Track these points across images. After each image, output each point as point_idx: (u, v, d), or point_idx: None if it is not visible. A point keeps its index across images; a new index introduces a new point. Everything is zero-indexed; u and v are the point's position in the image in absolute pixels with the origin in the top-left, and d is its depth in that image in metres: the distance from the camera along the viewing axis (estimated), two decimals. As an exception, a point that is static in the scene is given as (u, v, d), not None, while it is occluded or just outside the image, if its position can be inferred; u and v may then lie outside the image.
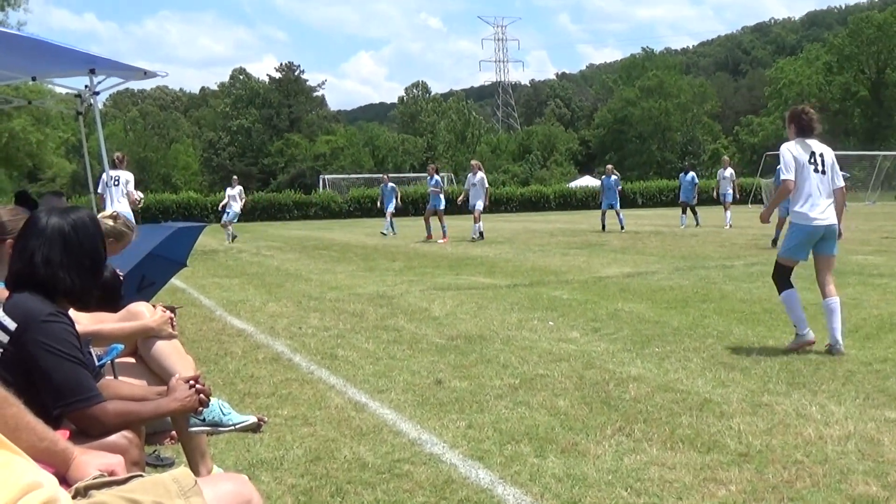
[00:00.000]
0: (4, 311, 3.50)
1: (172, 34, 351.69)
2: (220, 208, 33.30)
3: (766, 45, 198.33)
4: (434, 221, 28.25)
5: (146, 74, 14.84)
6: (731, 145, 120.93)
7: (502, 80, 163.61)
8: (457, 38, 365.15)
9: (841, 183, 9.22)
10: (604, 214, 31.11)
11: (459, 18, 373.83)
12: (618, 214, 30.21)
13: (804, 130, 9.33)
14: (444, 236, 27.19)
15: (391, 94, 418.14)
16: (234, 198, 31.12)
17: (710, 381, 7.07)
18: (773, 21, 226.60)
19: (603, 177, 32.43)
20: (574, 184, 73.71)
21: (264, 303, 13.07)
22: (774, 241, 18.85)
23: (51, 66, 14.47)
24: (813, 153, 9.03)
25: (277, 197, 60.77)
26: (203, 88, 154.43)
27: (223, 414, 5.29)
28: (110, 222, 6.37)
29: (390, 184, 34.07)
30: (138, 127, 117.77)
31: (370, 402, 6.78)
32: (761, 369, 7.46)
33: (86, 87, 14.86)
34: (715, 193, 32.65)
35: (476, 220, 27.85)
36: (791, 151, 9.03)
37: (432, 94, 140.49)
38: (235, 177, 37.10)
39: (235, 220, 31.51)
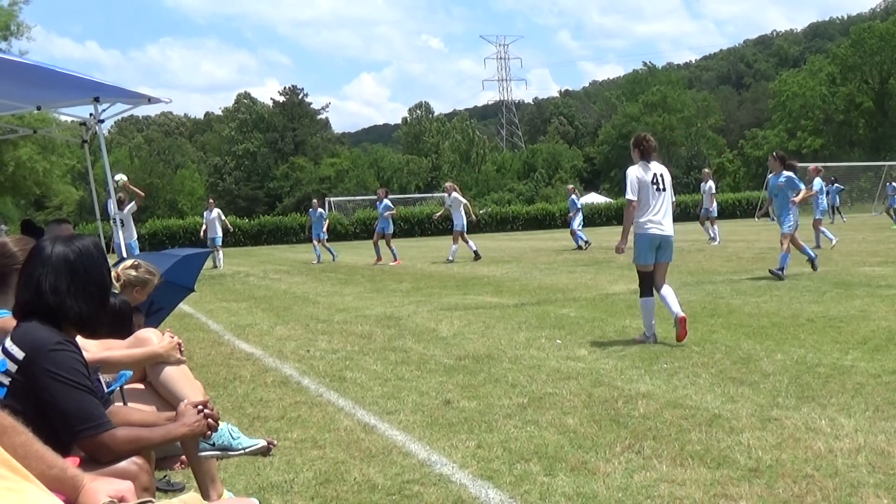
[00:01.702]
0: (12, 340, 3.52)
1: (175, 60, 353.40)
2: (202, 235, 32.28)
3: (769, 58, 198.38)
4: (383, 245, 28.06)
5: (150, 101, 14.87)
6: (736, 159, 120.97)
7: (505, 98, 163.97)
8: (458, 58, 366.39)
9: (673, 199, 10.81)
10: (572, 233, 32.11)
11: (460, 39, 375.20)
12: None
13: (645, 154, 10.44)
14: (395, 259, 27.07)
15: (394, 115, 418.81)
16: (215, 221, 30.68)
17: (720, 397, 7.07)
18: (775, 33, 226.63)
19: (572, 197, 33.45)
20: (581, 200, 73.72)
21: (272, 326, 13.09)
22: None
23: (55, 95, 14.51)
24: (654, 174, 10.28)
25: (283, 220, 60.88)
26: (207, 113, 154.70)
27: (233, 438, 5.29)
28: (133, 272, 6.42)
29: (319, 209, 33.42)
30: (143, 153, 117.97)
31: (379, 423, 6.78)
32: (770, 384, 7.45)
33: (90, 114, 14.90)
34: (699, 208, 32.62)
35: (454, 241, 27.67)
36: (635, 174, 10.28)
37: (436, 114, 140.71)
38: (211, 200, 36.56)
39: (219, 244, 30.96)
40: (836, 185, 46.59)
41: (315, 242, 31.36)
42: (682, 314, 9.85)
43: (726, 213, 61.99)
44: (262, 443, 5.38)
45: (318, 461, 5.88)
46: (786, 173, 16.62)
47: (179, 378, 5.20)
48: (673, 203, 10.89)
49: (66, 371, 3.45)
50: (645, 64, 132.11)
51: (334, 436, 6.48)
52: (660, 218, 10.23)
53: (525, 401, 7.25)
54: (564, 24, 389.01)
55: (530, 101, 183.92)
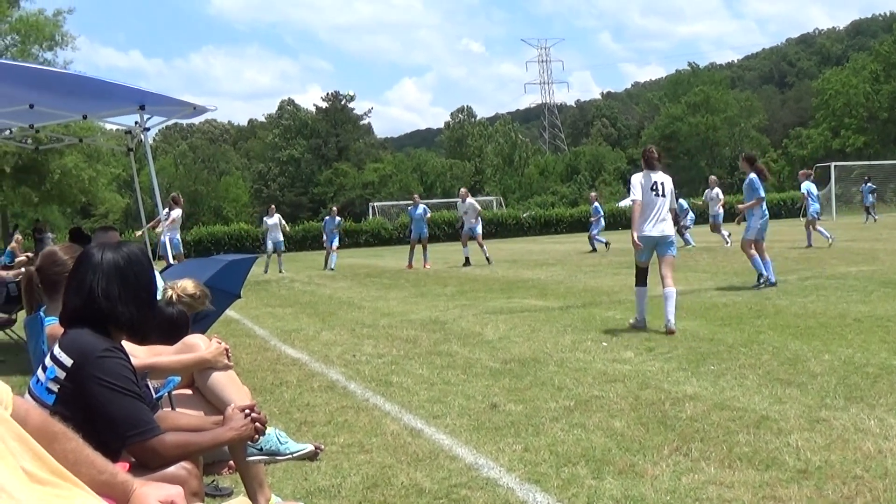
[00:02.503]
0: (60, 347, 3.55)
1: (217, 68, 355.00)
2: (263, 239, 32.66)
3: (812, 56, 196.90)
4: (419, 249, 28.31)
5: (196, 109, 15.00)
6: (781, 158, 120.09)
7: (547, 101, 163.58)
8: (499, 62, 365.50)
9: (675, 205, 12.36)
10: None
11: (501, 42, 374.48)
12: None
13: (649, 164, 11.92)
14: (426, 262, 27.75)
15: (436, 119, 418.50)
16: (276, 226, 30.96)
17: (767, 398, 7.02)
18: (817, 32, 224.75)
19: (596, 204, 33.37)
20: (623, 203, 73.19)
21: (318, 331, 13.13)
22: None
23: (101, 104, 14.66)
24: (655, 182, 11.69)
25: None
26: (251, 120, 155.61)
27: (280, 443, 5.32)
28: (188, 298, 6.46)
29: (337, 217, 33.44)
30: (188, 161, 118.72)
31: (426, 427, 6.79)
32: (818, 384, 7.40)
33: (136, 123, 15.04)
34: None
35: (464, 245, 28.22)
36: (639, 179, 11.79)
37: (478, 118, 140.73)
38: (273, 206, 36.98)
39: (281, 250, 31.40)
40: (868, 184, 46.17)
41: (332, 249, 31.67)
42: (673, 328, 10.92)
43: (771, 212, 61.44)
44: (310, 447, 5.40)
45: (365, 465, 5.90)
46: (750, 175, 16.33)
47: (227, 383, 5.23)
48: (674, 209, 12.40)
49: (114, 377, 3.48)
50: (689, 64, 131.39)
51: (381, 440, 6.50)
52: (657, 220, 11.60)
53: (571, 404, 7.24)
54: (605, 26, 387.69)
55: (572, 104, 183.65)
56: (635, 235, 11.60)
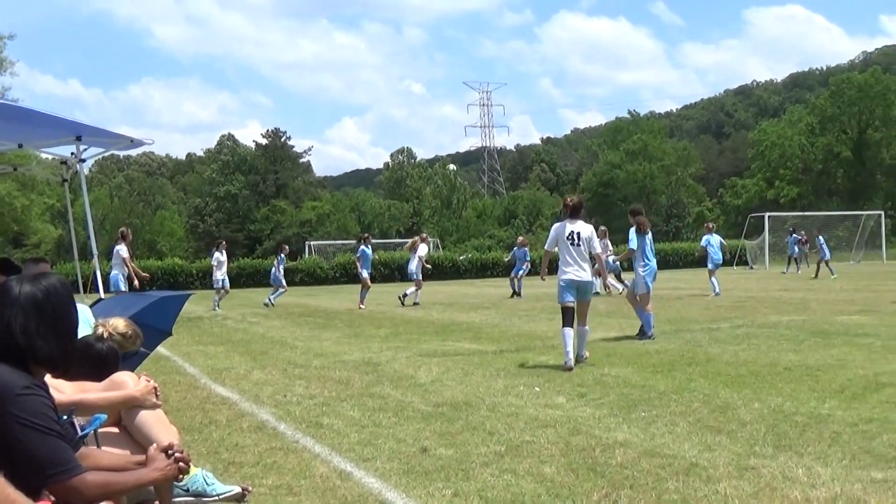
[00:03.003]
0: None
1: (157, 100, 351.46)
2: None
3: (749, 108, 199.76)
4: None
5: (132, 143, 14.92)
6: (716, 207, 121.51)
7: (488, 145, 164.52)
8: (440, 104, 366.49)
9: (597, 250, 13.18)
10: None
11: (442, 84, 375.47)
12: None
13: (568, 214, 13.00)
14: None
15: (376, 159, 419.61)
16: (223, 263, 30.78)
17: (697, 445, 7.06)
18: (755, 83, 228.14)
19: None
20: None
21: (249, 370, 13.03)
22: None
23: (38, 134, 14.53)
24: (571, 231, 12.74)
25: (263, 263, 60.64)
26: (189, 154, 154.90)
27: (207, 484, 5.26)
28: (120, 337, 6.39)
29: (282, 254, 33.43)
30: (124, 193, 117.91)
31: (355, 470, 6.74)
32: (748, 432, 7.45)
33: (72, 154, 14.91)
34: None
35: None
36: (554, 230, 13.13)
37: (418, 159, 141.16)
38: (223, 241, 36.77)
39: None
40: (794, 235, 46.79)
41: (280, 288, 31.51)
42: (572, 365, 11.87)
43: (705, 261, 62.03)
44: (237, 489, 5.36)
45: (293, 508, 5.84)
46: (632, 228, 16.58)
47: (155, 422, 5.17)
48: (598, 255, 13.53)
49: (34, 416, 3.41)
50: (629, 112, 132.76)
51: (310, 482, 6.43)
52: (573, 266, 12.64)
53: (502, 449, 7.22)
54: (546, 72, 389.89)
55: (512, 148, 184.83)
56: (555, 278, 13.11)
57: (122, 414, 5.23)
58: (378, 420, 8.66)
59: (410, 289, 29.46)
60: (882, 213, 70.09)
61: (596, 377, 10.95)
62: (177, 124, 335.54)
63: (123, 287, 21.45)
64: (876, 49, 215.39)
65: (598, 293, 26.89)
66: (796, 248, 45.88)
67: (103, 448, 4.74)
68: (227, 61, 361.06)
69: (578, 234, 12.71)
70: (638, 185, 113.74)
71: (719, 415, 8.24)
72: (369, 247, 29.85)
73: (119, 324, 6.47)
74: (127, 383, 5.25)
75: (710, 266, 28.49)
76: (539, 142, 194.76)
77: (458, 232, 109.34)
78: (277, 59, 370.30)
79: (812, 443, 7.01)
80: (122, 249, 21.88)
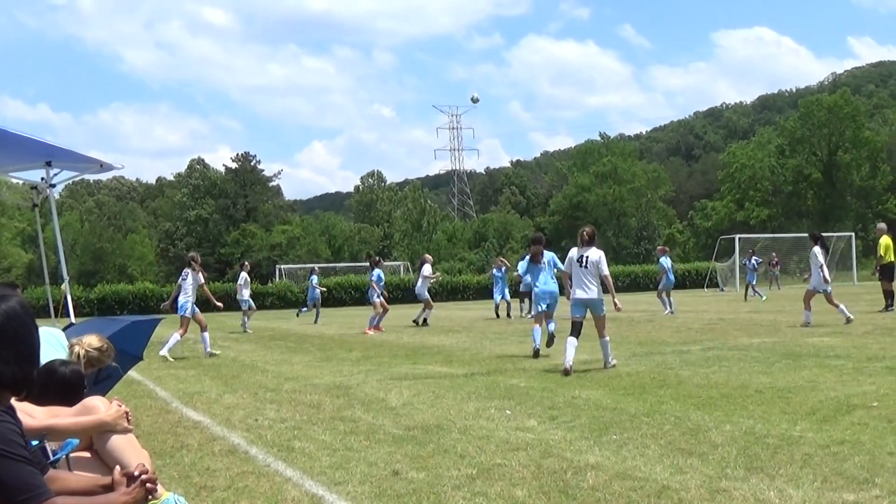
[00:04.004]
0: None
1: (127, 124, 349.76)
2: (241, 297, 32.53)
3: (719, 130, 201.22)
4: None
5: (102, 167, 14.81)
6: (686, 230, 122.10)
7: (457, 168, 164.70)
8: (410, 128, 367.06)
9: (605, 272, 14.72)
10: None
11: (412, 108, 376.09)
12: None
13: (581, 242, 15.02)
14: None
15: (346, 183, 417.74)
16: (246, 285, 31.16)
17: (668, 468, 7.07)
18: (724, 106, 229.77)
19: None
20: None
21: (220, 394, 12.99)
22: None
23: (7, 157, 14.43)
24: (581, 256, 14.76)
25: (234, 287, 60.42)
26: (159, 178, 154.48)
27: (178, 508, 5.24)
28: (96, 352, 6.39)
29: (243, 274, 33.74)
30: (94, 217, 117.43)
31: (327, 494, 6.72)
32: (719, 455, 7.47)
33: (42, 178, 14.82)
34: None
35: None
36: (570, 254, 15.09)
37: (388, 183, 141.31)
38: (246, 262, 36.94)
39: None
40: (754, 259, 47.01)
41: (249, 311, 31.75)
42: (569, 369, 13.67)
43: (676, 283, 62.38)
44: (209, 513, 5.32)
45: (265, 532, 5.82)
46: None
47: (126, 447, 5.16)
48: (605, 276, 14.75)
49: (3, 443, 3.40)
50: (600, 135, 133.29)
51: (282, 506, 6.42)
52: (583, 287, 14.64)
53: (474, 472, 7.22)
54: (516, 95, 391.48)
55: (482, 171, 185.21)
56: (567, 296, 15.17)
57: (94, 438, 5.21)
58: (349, 443, 8.64)
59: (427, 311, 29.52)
60: (853, 234, 70.60)
61: (567, 400, 10.97)
62: (147, 149, 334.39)
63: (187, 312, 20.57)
64: (845, 71, 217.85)
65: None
66: (755, 275, 45.92)
67: (75, 472, 4.72)
68: (196, 86, 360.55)
69: (587, 258, 14.64)
70: (608, 207, 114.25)
71: (690, 437, 8.26)
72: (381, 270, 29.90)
73: (93, 340, 6.48)
74: (98, 408, 5.23)
75: (663, 286, 30.19)
76: (509, 165, 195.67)
77: (429, 255, 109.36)
78: (247, 84, 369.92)
79: (784, 465, 7.03)
80: (196, 276, 21.21)
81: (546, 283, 17.60)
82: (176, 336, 19.41)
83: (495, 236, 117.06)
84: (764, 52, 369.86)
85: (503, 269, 34.33)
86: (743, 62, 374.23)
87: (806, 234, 72.95)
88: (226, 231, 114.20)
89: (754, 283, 45.24)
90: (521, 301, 34.31)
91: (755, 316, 22.51)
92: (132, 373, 13.39)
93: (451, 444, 8.35)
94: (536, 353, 17.02)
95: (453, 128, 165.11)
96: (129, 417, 5.33)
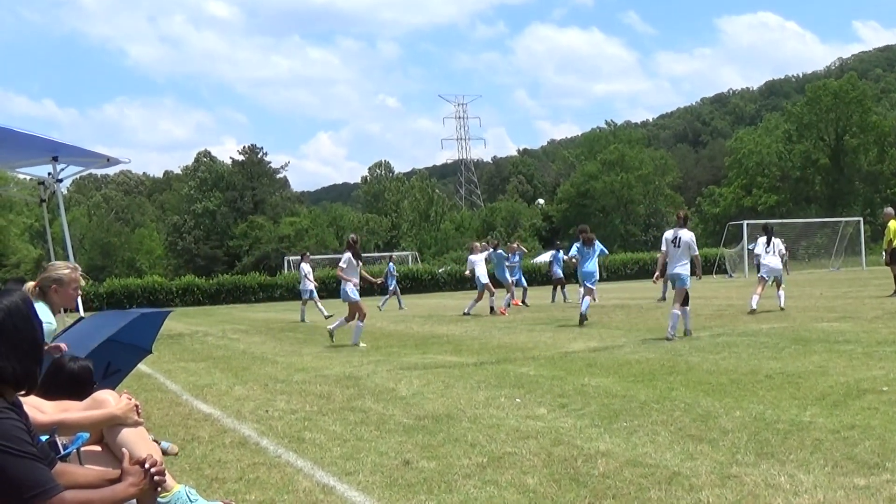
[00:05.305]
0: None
1: (132, 119, 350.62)
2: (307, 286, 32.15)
3: (726, 116, 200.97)
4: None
5: (109, 161, 14.87)
6: (694, 216, 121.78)
7: (464, 157, 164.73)
8: (416, 118, 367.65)
9: (696, 252, 17.38)
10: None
11: (417, 98, 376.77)
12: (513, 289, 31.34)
13: (679, 223, 17.62)
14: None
15: (353, 174, 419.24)
16: (308, 274, 31.05)
17: (679, 455, 7.07)
18: (731, 92, 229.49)
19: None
20: (538, 259, 73.65)
21: (231, 386, 12.99)
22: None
23: (14, 154, 14.47)
24: (676, 237, 17.15)
25: (242, 279, 60.62)
26: (166, 172, 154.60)
27: (190, 500, 5.25)
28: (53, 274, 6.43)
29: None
30: (102, 212, 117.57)
31: (338, 484, 6.72)
32: (729, 441, 7.46)
33: (49, 174, 14.86)
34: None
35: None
36: (666, 235, 17.59)
37: (395, 173, 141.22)
38: (307, 252, 36.74)
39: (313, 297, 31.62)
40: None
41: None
42: (670, 336, 16.31)
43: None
44: (220, 505, 5.33)
45: (277, 523, 5.83)
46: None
47: (137, 440, 5.16)
48: (695, 256, 17.35)
49: (8, 440, 3.40)
50: (606, 122, 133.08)
51: (293, 497, 6.42)
52: (674, 263, 17.11)
53: (485, 460, 7.22)
54: (521, 84, 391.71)
55: (489, 160, 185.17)
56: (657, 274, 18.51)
57: (105, 432, 5.21)
58: (360, 434, 8.65)
59: (506, 296, 29.53)
60: (861, 219, 70.38)
61: (577, 387, 10.96)
62: (153, 143, 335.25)
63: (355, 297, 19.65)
64: (851, 55, 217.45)
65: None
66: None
67: (86, 466, 4.73)
68: (201, 79, 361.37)
69: (680, 238, 17.07)
70: (615, 195, 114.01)
71: (701, 423, 8.25)
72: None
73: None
74: (108, 401, 5.24)
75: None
76: (516, 153, 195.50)
77: (437, 245, 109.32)
78: (252, 77, 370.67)
79: (794, 450, 7.02)
80: (350, 258, 19.73)
81: (594, 265, 22.68)
82: (359, 324, 18.98)
83: (503, 225, 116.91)
84: (769, 38, 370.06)
85: (518, 254, 33.97)
86: (748, 48, 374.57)
87: (816, 220, 73.39)
88: (234, 223, 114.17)
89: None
90: (556, 288, 34.68)
91: (764, 301, 22.50)
92: (142, 366, 13.40)
93: (462, 434, 8.35)
94: (582, 320, 20.85)
95: (459, 117, 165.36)
96: (140, 410, 5.33)
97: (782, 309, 21.93)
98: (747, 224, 61.33)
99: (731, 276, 58.70)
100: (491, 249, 30.47)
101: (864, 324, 17.49)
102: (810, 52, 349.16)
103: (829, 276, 51.16)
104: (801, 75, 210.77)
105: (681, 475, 6.42)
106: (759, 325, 18.13)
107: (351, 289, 18.96)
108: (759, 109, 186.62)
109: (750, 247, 48.52)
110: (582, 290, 22.90)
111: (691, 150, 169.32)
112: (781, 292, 22.71)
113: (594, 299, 23.21)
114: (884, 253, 27.94)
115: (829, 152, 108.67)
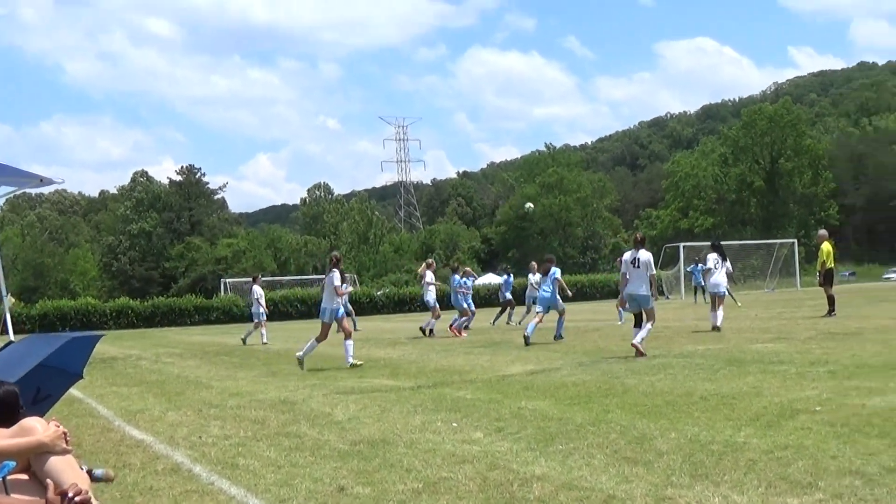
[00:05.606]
0: None
1: (69, 137, 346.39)
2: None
3: (663, 139, 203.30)
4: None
5: (42, 181, 14.71)
6: (631, 239, 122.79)
7: (404, 179, 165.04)
8: (356, 139, 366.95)
9: (653, 272, 18.07)
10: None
11: (358, 119, 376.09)
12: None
13: (636, 244, 18.33)
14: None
15: (291, 195, 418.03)
16: (261, 297, 30.46)
17: (614, 477, 7.07)
18: (668, 115, 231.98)
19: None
20: (477, 282, 73.79)
21: (164, 412, 12.84)
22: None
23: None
24: (635, 258, 17.86)
25: (178, 302, 60.14)
26: (102, 192, 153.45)
27: (118, 530, 5.16)
28: None
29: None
30: (35, 232, 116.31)
31: (272, 511, 6.66)
32: (664, 463, 7.48)
33: (-20, 195, 14.66)
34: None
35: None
36: (625, 257, 18.29)
37: (334, 195, 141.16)
38: (259, 275, 36.22)
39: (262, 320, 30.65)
40: (699, 265, 47.49)
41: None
42: (634, 343, 17.03)
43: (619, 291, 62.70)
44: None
45: (208, 552, 5.75)
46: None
47: (64, 468, 5.08)
48: (652, 275, 18.03)
49: None
50: (546, 145, 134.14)
51: (225, 525, 6.36)
52: (634, 284, 17.77)
53: (420, 486, 7.18)
54: (461, 107, 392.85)
55: (429, 183, 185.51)
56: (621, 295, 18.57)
57: (32, 460, 5.12)
58: (294, 460, 8.57)
59: (462, 318, 29.22)
60: (795, 241, 71.56)
61: (513, 411, 10.96)
62: (90, 161, 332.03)
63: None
64: (787, 80, 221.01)
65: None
66: (702, 278, 46.41)
67: (12, 496, 4.65)
68: (140, 98, 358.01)
69: (639, 259, 17.80)
70: (554, 217, 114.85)
71: (636, 446, 8.27)
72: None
73: None
74: (36, 429, 5.15)
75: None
76: (455, 176, 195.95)
77: (376, 267, 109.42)
78: (191, 96, 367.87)
79: (728, 471, 7.06)
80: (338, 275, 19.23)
81: (548, 291, 23.50)
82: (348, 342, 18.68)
83: (442, 247, 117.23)
84: (706, 63, 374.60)
85: (472, 278, 33.96)
86: (686, 72, 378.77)
87: (751, 242, 74.27)
88: (170, 245, 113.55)
89: (703, 284, 45.78)
90: (504, 311, 34.68)
91: (700, 323, 22.70)
92: (73, 391, 13.22)
93: (398, 459, 8.30)
94: (526, 341, 21.56)
95: (400, 139, 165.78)
96: (68, 438, 5.25)
97: (717, 328, 22.17)
98: (683, 246, 61.94)
99: (667, 297, 59.17)
100: (455, 274, 30.47)
101: (798, 344, 17.68)
102: (747, 77, 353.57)
103: (764, 297, 51.76)
104: (737, 99, 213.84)
105: (616, 498, 6.42)
106: (695, 346, 18.27)
107: (339, 307, 18.77)
108: (696, 133, 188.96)
109: (690, 268, 49.00)
110: (537, 315, 23.49)
111: (629, 173, 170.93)
112: (721, 311, 23.01)
113: (558, 322, 23.68)
114: (818, 274, 28.42)
115: (764, 175, 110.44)
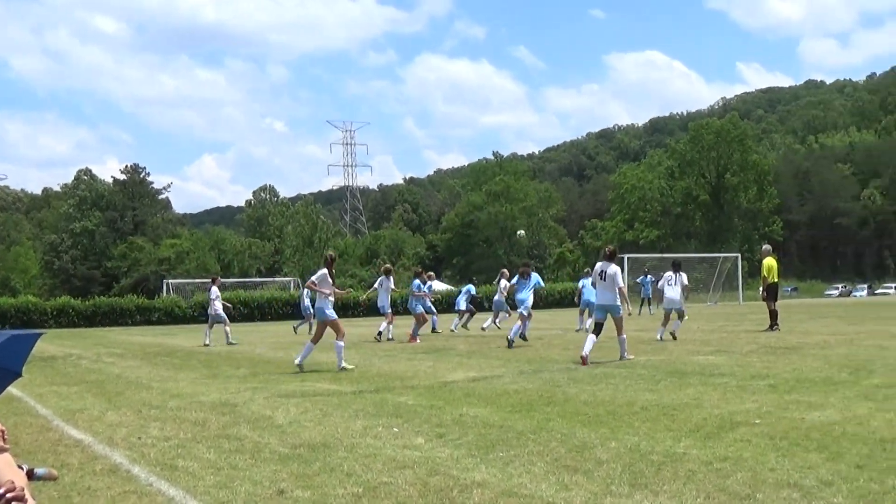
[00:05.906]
0: None
1: (13, 133, 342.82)
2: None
3: (611, 151, 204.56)
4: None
5: (-17, 177, 14.51)
6: (576, 249, 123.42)
7: (350, 184, 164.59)
8: (303, 143, 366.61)
9: (620, 284, 18.17)
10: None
11: (305, 123, 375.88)
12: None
13: (605, 258, 18.58)
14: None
15: (237, 197, 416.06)
16: (218, 298, 29.98)
17: (554, 485, 7.10)
18: (616, 127, 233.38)
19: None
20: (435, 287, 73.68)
21: (103, 412, 12.72)
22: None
23: None
24: (602, 270, 18.22)
25: (120, 302, 59.55)
26: (45, 189, 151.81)
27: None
28: None
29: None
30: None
31: (210, 513, 6.62)
32: (604, 471, 7.52)
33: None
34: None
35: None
36: (595, 269, 18.82)
37: (280, 197, 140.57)
38: (217, 276, 35.79)
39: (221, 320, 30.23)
40: (648, 276, 47.88)
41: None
42: (584, 354, 17.39)
43: (565, 302, 63.03)
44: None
45: (145, 553, 5.71)
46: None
47: (1, 467, 5.02)
48: (620, 288, 18.14)
49: None
50: (493, 154, 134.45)
51: (163, 526, 6.31)
52: (601, 295, 18.29)
53: (360, 490, 7.16)
54: (410, 112, 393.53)
55: (375, 188, 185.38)
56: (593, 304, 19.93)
57: (-34, 459, 5.06)
58: (234, 462, 8.52)
59: (383, 324, 29.06)
60: (738, 255, 72.23)
61: (455, 417, 10.96)
62: (33, 158, 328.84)
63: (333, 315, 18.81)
64: (735, 96, 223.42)
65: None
66: (650, 289, 46.80)
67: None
68: (85, 95, 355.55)
69: (605, 272, 18.08)
70: (499, 225, 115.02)
71: (576, 454, 8.30)
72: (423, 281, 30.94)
73: None
74: (-29, 427, 5.09)
75: (584, 305, 30.06)
76: (402, 182, 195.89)
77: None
78: (137, 95, 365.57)
79: (668, 481, 7.10)
80: (325, 274, 18.88)
81: (527, 294, 24.45)
82: (339, 344, 18.41)
83: (387, 253, 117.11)
84: (656, 76, 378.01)
85: (430, 284, 33.81)
86: (635, 85, 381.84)
87: (695, 255, 74.95)
88: (112, 244, 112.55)
89: (650, 295, 46.16)
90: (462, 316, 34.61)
91: (642, 334, 22.84)
92: (12, 389, 13.07)
93: (338, 463, 8.28)
94: (510, 343, 22.65)
95: (347, 143, 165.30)
96: (6, 436, 5.19)
97: (674, 337, 22.45)
98: (628, 258, 62.27)
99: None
100: (417, 279, 30.58)
101: (739, 357, 17.83)
102: (696, 92, 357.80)
103: (706, 310, 52.13)
104: (685, 113, 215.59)
105: (555, 506, 6.44)
106: (637, 357, 18.36)
107: (329, 307, 18.58)
108: (643, 146, 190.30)
109: (639, 279, 49.29)
110: (518, 316, 24.38)
111: (576, 184, 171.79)
112: (679, 322, 23.37)
113: (524, 325, 23.99)
114: (761, 289, 28.71)
115: (709, 189, 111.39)
